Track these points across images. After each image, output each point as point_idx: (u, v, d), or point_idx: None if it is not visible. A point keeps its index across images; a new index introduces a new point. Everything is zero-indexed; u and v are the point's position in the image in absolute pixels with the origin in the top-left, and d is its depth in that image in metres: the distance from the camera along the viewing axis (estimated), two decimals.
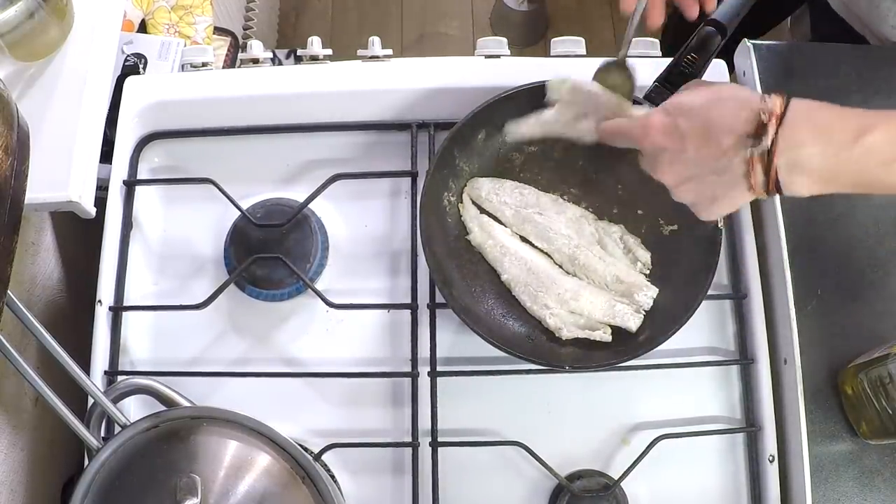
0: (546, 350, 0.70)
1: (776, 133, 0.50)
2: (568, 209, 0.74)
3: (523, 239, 0.74)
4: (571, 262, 0.72)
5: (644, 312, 0.70)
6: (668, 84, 0.67)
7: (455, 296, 0.70)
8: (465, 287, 0.72)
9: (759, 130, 0.51)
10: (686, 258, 0.71)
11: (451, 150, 0.73)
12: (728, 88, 0.57)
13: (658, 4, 0.66)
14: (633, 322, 0.70)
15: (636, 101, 0.66)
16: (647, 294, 0.71)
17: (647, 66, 0.73)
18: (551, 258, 0.73)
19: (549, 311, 0.71)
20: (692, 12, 0.67)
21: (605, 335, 0.69)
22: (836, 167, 0.51)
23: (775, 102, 0.51)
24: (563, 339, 0.70)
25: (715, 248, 0.68)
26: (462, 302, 0.70)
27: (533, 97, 0.73)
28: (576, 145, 0.67)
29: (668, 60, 0.68)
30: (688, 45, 0.65)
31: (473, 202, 0.75)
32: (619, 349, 0.69)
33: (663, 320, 0.69)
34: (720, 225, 0.69)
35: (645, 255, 0.72)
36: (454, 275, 0.72)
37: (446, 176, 0.74)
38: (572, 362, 0.68)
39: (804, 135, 0.50)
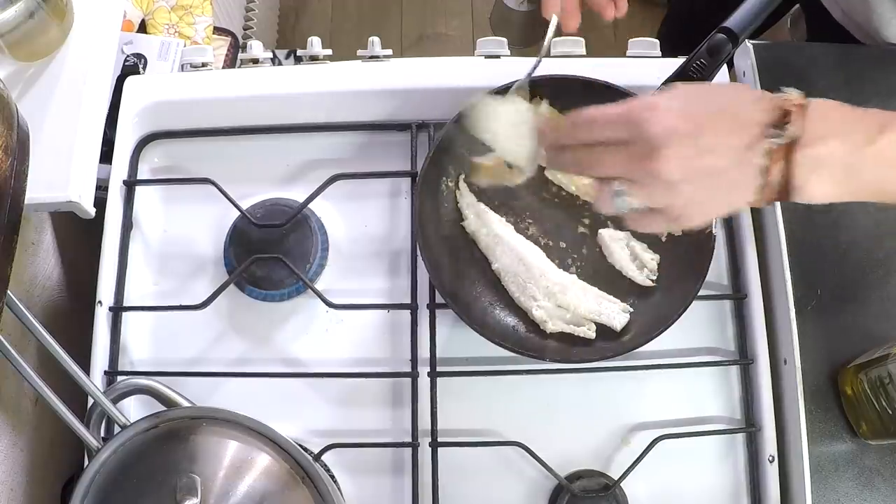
0: (528, 341, 0.70)
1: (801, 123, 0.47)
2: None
3: (517, 229, 0.74)
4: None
5: (630, 312, 0.70)
6: None
7: (444, 280, 0.70)
8: (455, 272, 0.72)
9: (783, 119, 0.47)
10: (678, 262, 0.71)
11: (454, 135, 0.73)
12: (735, 84, 0.53)
13: (573, 10, 0.65)
14: (618, 321, 0.70)
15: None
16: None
17: (647, 66, 0.73)
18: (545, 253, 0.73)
19: (536, 302, 0.71)
20: (608, 13, 0.66)
21: (588, 332, 0.70)
22: (856, 165, 0.48)
23: (793, 95, 0.49)
24: (548, 332, 0.70)
25: (707, 254, 0.68)
26: (450, 287, 0.70)
27: (544, 86, 0.72)
28: None
29: (669, 61, 0.68)
30: (698, 51, 0.65)
31: (471, 190, 0.75)
32: (602, 347, 0.69)
33: (650, 322, 0.69)
34: (714, 231, 0.69)
35: (652, 262, 0.72)
36: (444, 259, 0.72)
37: (447, 161, 0.74)
38: (552, 355, 0.68)
39: (825, 127, 0.48)
